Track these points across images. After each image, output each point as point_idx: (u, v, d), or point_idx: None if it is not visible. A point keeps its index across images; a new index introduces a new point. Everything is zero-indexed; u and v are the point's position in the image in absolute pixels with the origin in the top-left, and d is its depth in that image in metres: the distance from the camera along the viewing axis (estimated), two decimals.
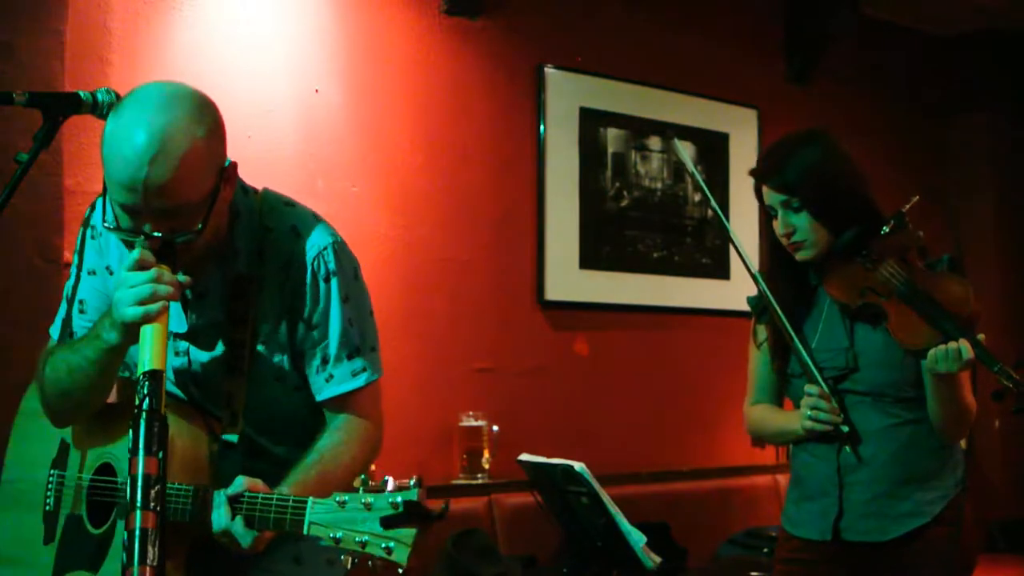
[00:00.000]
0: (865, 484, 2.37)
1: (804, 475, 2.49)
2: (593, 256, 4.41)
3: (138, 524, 1.40)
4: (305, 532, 1.64)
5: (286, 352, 1.88)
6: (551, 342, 4.30)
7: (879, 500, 2.36)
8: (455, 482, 3.89)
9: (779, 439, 2.81)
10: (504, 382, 4.14)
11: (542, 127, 4.29)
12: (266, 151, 3.60)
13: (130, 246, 1.76)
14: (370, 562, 1.57)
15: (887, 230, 2.36)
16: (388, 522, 1.57)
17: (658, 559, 3.27)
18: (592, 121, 4.43)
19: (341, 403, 1.90)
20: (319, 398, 1.90)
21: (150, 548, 1.39)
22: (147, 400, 1.49)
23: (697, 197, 4.77)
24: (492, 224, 4.15)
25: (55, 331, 2.01)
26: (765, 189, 2.49)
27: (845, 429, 2.35)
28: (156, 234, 1.69)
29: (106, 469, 1.93)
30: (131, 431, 1.48)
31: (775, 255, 2.60)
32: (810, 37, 5.08)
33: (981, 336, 2.23)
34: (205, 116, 1.77)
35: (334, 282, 1.86)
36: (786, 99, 5.08)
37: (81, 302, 1.96)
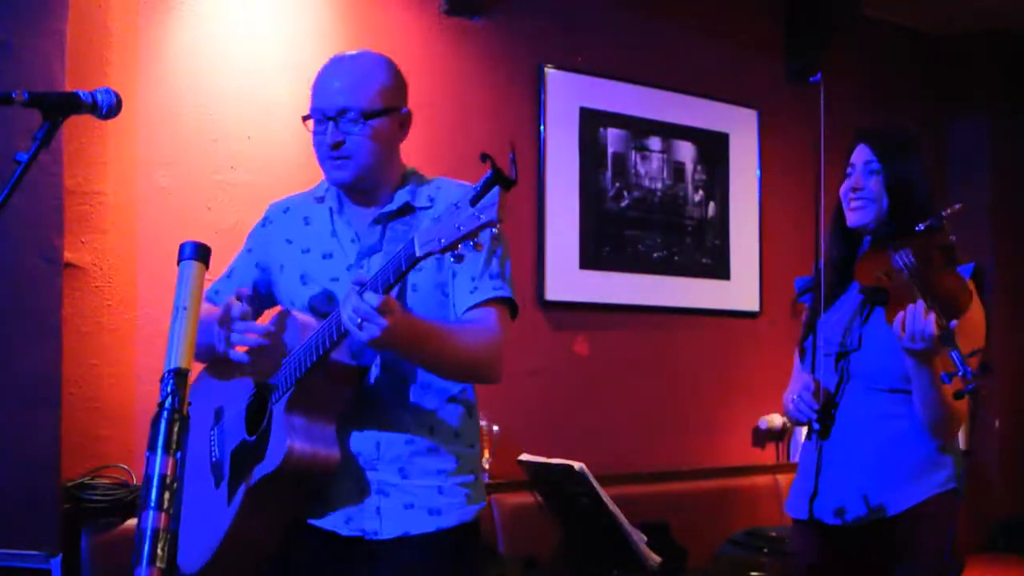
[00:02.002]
0: (842, 470, 2.48)
1: (801, 456, 2.66)
2: (593, 256, 4.41)
3: (150, 524, 1.40)
4: (417, 253, 1.82)
5: (436, 269, 2.15)
6: (551, 342, 4.30)
7: (854, 487, 2.46)
8: None
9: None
10: (504, 382, 4.10)
11: (542, 127, 4.29)
12: (266, 151, 3.60)
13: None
14: (473, 242, 1.79)
15: (921, 228, 2.42)
16: (476, 199, 1.76)
17: (658, 559, 3.27)
18: (592, 121, 4.43)
19: (477, 311, 2.13)
20: (460, 308, 2.13)
21: (159, 549, 1.40)
22: (169, 399, 1.49)
23: (697, 197, 4.78)
24: None
25: (207, 293, 2.32)
26: (860, 147, 2.63)
27: (816, 427, 2.50)
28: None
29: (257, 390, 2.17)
30: (151, 429, 1.49)
31: (838, 224, 2.67)
32: (810, 37, 5.08)
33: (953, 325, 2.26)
34: (390, 65, 2.31)
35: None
36: (786, 99, 5.08)
37: (232, 270, 2.36)
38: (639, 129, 4.58)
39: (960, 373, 2.18)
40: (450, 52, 4.09)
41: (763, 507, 4.54)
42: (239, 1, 3.63)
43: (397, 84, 2.29)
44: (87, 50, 3.21)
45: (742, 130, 4.92)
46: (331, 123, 2.16)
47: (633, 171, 4.56)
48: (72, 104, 1.85)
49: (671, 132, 4.67)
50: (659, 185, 4.65)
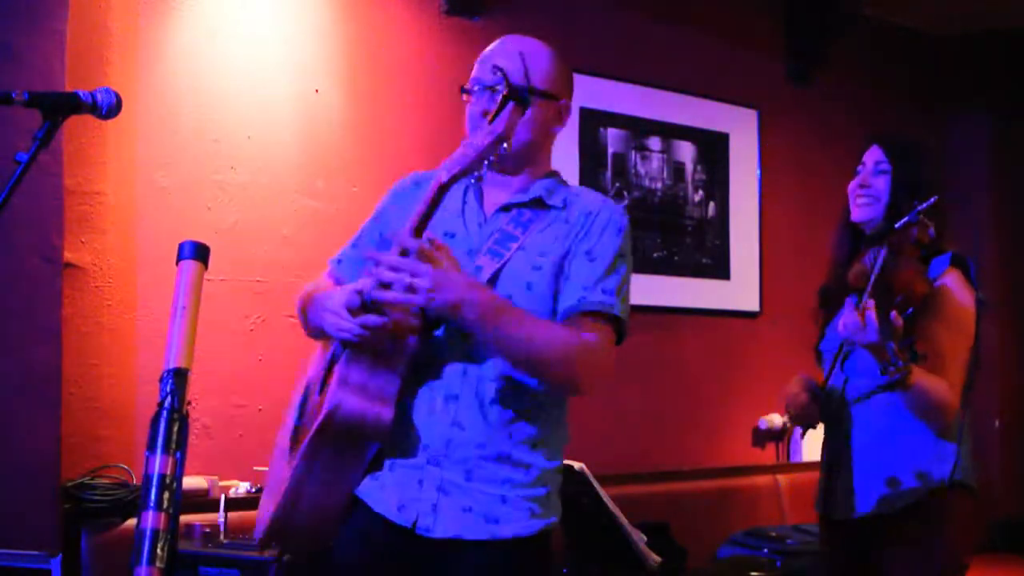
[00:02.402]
0: (846, 465, 2.55)
1: (822, 457, 2.72)
2: None
3: (150, 524, 1.40)
4: (443, 179, 1.88)
5: (554, 273, 2.06)
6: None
7: (857, 480, 2.53)
8: None
9: None
10: None
11: None
12: (266, 151, 3.60)
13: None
14: (491, 159, 1.85)
15: (900, 224, 2.44)
16: (492, 118, 1.87)
17: (658, 559, 3.27)
18: (592, 121, 4.43)
19: (579, 318, 2.02)
20: (564, 312, 2.02)
21: (159, 549, 1.39)
22: (169, 399, 1.48)
23: (697, 197, 4.78)
24: None
25: (332, 258, 2.27)
26: (872, 148, 2.66)
27: (811, 428, 2.60)
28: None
29: None
30: (150, 429, 1.48)
31: (846, 223, 2.71)
32: (810, 37, 5.08)
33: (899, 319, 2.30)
34: (558, 58, 2.22)
35: (623, 236, 2.11)
36: (786, 99, 5.08)
37: (358, 238, 2.27)
38: (639, 129, 4.58)
39: (890, 360, 2.27)
40: (450, 52, 4.08)
41: (763, 507, 4.55)
42: (239, 1, 3.63)
43: (567, 73, 2.25)
44: (87, 50, 3.21)
45: (742, 130, 4.91)
46: (486, 94, 2.20)
47: (633, 171, 4.56)
48: (72, 104, 1.85)
49: (671, 132, 4.67)
50: (659, 185, 4.65)
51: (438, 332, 2.01)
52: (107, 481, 3.13)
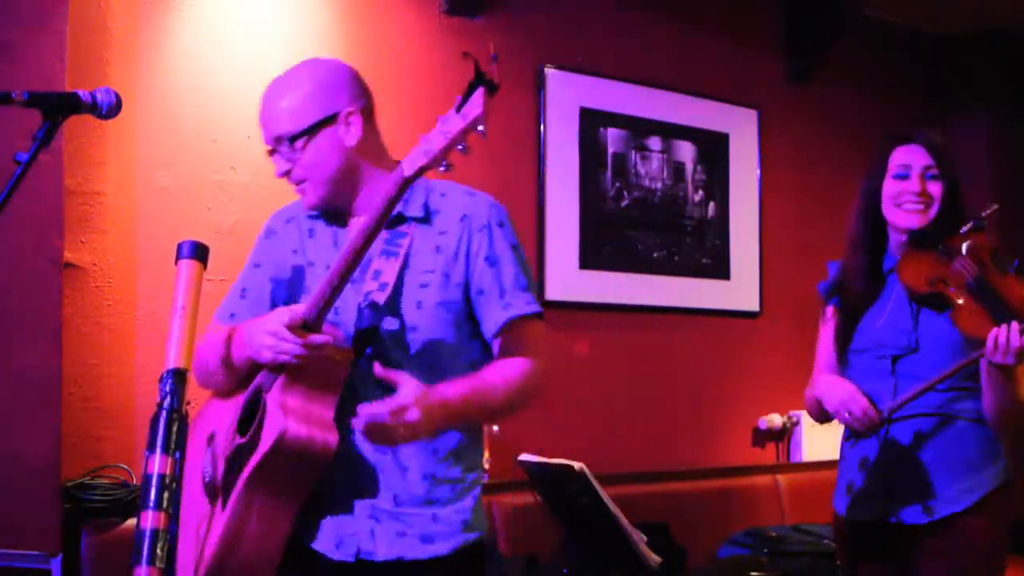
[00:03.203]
0: (908, 469, 2.48)
1: (856, 459, 2.60)
2: (593, 256, 4.41)
3: (149, 524, 1.39)
4: (406, 173, 1.83)
5: (460, 289, 2.07)
6: (551, 342, 4.29)
7: (919, 484, 2.46)
8: None
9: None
10: None
11: (542, 127, 4.29)
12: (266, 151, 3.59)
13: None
14: (463, 146, 1.80)
15: (965, 230, 2.49)
16: (461, 105, 1.76)
17: (658, 559, 3.27)
18: (592, 121, 4.43)
19: (513, 330, 2.07)
20: (496, 327, 2.05)
21: (159, 549, 1.39)
22: (169, 399, 1.48)
23: (697, 197, 4.78)
24: None
25: (217, 314, 2.22)
26: (910, 149, 2.60)
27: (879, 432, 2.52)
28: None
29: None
30: (150, 429, 1.48)
31: (868, 221, 2.65)
32: (810, 37, 5.07)
33: None
34: (311, 73, 2.15)
35: (506, 229, 2.11)
36: (786, 99, 5.08)
37: (244, 289, 2.21)
38: (639, 129, 4.58)
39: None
40: (450, 52, 4.09)
41: (763, 507, 4.55)
42: (239, 1, 3.63)
43: (330, 88, 2.12)
44: (87, 50, 3.21)
45: (742, 130, 4.92)
46: (275, 155, 2.11)
47: (633, 171, 4.56)
48: (72, 104, 1.85)
49: (671, 132, 4.67)
50: (659, 185, 4.65)
51: (360, 361, 2.02)
52: (107, 481, 3.13)
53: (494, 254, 2.08)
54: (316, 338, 1.91)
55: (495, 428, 3.94)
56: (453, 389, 1.95)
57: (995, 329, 2.29)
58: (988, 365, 2.36)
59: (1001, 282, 2.43)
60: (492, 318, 2.06)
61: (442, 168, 1.78)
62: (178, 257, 1.62)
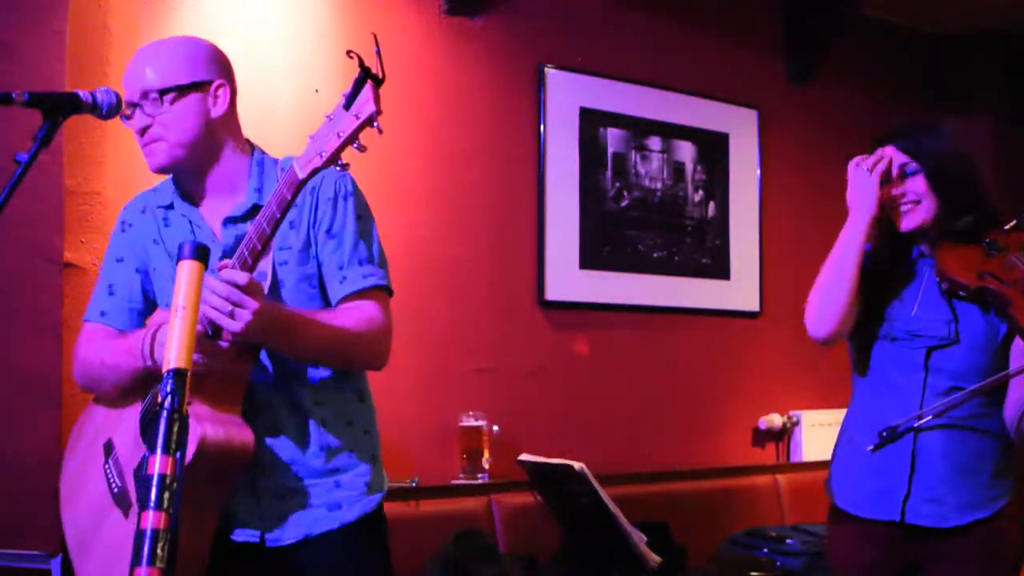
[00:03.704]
0: (934, 470, 2.41)
1: (878, 462, 2.47)
2: (593, 256, 4.41)
3: (150, 524, 1.39)
4: (300, 175, 1.79)
5: (316, 261, 2.10)
6: (551, 342, 4.30)
7: (945, 486, 2.40)
8: (455, 482, 3.88)
9: (838, 265, 2.53)
10: (504, 382, 4.14)
11: (542, 127, 4.29)
12: (266, 151, 3.59)
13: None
14: (357, 144, 1.77)
15: (1010, 227, 2.45)
16: (349, 102, 1.73)
17: (658, 559, 3.27)
18: (592, 121, 4.43)
19: (352, 304, 2.08)
20: (335, 300, 2.08)
21: (159, 549, 1.39)
22: (169, 399, 1.48)
23: (697, 197, 4.78)
24: (492, 224, 4.15)
25: (87, 314, 2.23)
26: (885, 152, 2.55)
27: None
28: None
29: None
30: (150, 429, 1.49)
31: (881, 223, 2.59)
32: (810, 37, 5.07)
33: None
34: (195, 41, 2.13)
35: (351, 201, 2.12)
36: (786, 99, 5.08)
37: (111, 285, 2.20)
38: (639, 129, 4.58)
39: None
40: (450, 52, 4.09)
41: (763, 507, 4.54)
42: (239, 1, 3.63)
43: (203, 59, 2.10)
44: (87, 50, 3.21)
45: (742, 130, 4.91)
46: (136, 109, 2.07)
47: (633, 171, 4.56)
48: (72, 104, 1.86)
49: (671, 132, 4.67)
50: (659, 185, 4.65)
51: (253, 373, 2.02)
52: None
53: (336, 226, 2.09)
54: (218, 344, 1.93)
55: (495, 428, 3.95)
56: (292, 307, 2.01)
57: None
58: None
59: None
60: (332, 293, 2.09)
61: (338, 166, 1.77)
62: (179, 257, 1.62)
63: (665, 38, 4.70)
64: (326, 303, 2.10)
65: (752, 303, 4.91)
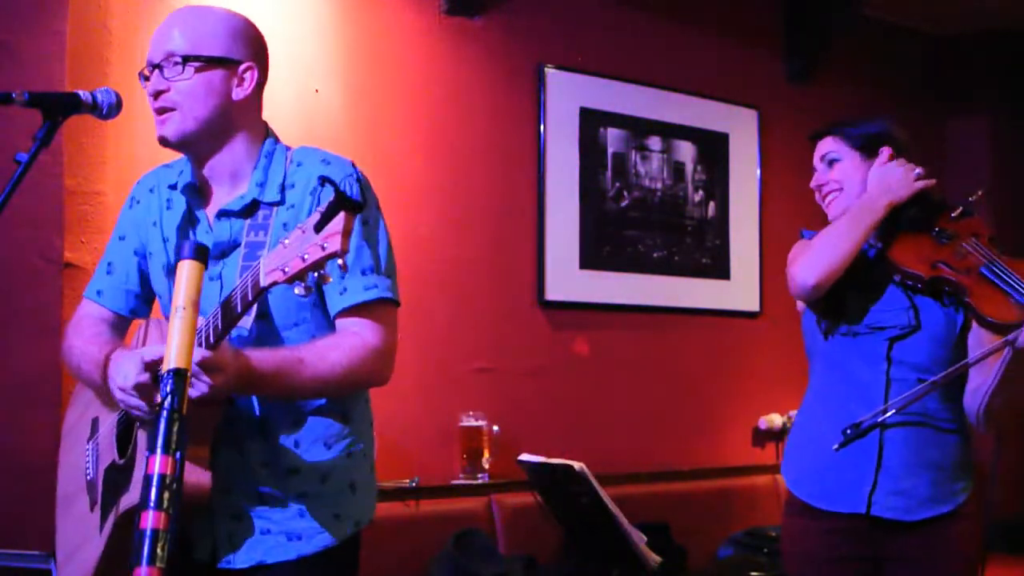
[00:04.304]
0: (901, 463, 2.40)
1: (843, 458, 2.44)
2: (593, 256, 4.41)
3: (150, 524, 1.39)
4: (262, 282, 1.65)
5: None
6: (551, 342, 4.30)
7: (910, 480, 2.39)
8: (455, 482, 3.88)
9: (844, 230, 2.49)
10: (504, 382, 4.14)
11: (542, 127, 4.29)
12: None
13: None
14: (317, 273, 1.60)
15: (957, 214, 2.43)
16: (320, 225, 1.58)
17: (658, 559, 3.27)
18: (592, 121, 4.43)
19: (351, 316, 1.93)
20: (333, 312, 1.93)
21: (159, 549, 1.38)
22: (169, 399, 1.46)
23: (697, 197, 4.78)
24: (492, 224, 4.15)
25: (86, 291, 2.16)
26: (817, 146, 2.67)
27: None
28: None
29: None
30: (150, 429, 1.48)
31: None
32: (810, 37, 5.08)
33: None
34: (234, 18, 2.01)
35: (360, 196, 1.96)
36: (786, 99, 5.08)
37: (110, 264, 2.12)
38: (639, 129, 4.58)
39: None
40: (450, 52, 4.09)
41: (763, 507, 4.54)
42: (239, 1, 3.62)
43: (238, 36, 1.99)
44: (87, 50, 3.21)
45: (742, 130, 4.92)
46: (156, 71, 1.93)
47: (633, 171, 4.56)
48: (72, 104, 1.86)
49: (671, 132, 4.67)
50: (659, 185, 4.65)
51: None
52: None
53: None
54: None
55: (495, 428, 3.95)
56: (267, 356, 1.83)
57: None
58: (1013, 354, 2.27)
59: (1015, 265, 2.36)
60: (331, 303, 1.94)
61: (300, 288, 1.62)
62: (179, 257, 1.62)
63: (665, 38, 4.70)
64: (323, 306, 1.96)
65: (752, 303, 4.91)
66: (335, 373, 1.87)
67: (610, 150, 4.49)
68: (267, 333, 1.88)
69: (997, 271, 2.34)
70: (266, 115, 3.69)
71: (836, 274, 2.41)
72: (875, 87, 5.39)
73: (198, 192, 2.02)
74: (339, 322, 1.94)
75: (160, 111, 1.93)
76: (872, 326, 2.44)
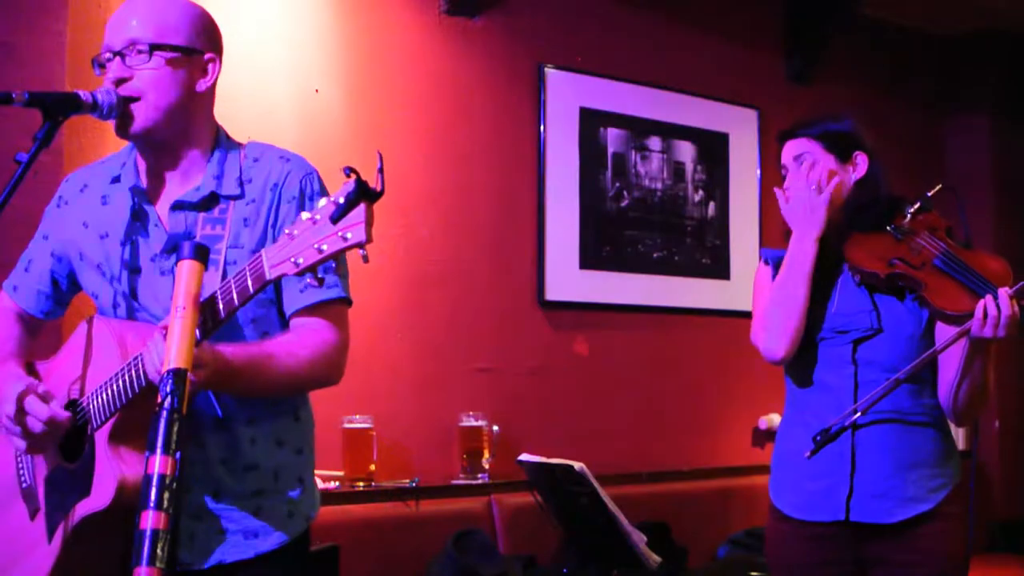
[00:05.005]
0: (876, 465, 2.38)
1: (816, 465, 2.42)
2: (593, 256, 4.41)
3: (150, 525, 1.39)
4: (268, 275, 1.63)
5: None
6: (551, 342, 4.30)
7: (887, 481, 2.37)
8: (455, 482, 3.88)
9: (790, 286, 2.53)
10: (504, 382, 4.14)
11: (542, 127, 4.29)
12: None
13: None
14: (335, 261, 1.60)
15: (914, 210, 2.42)
16: (337, 217, 1.55)
17: (658, 559, 3.27)
18: (592, 121, 4.43)
19: (309, 315, 1.93)
20: (291, 310, 1.93)
21: (159, 549, 1.38)
22: (169, 399, 1.46)
23: (697, 197, 4.78)
24: (492, 224, 4.15)
25: (6, 284, 2.15)
26: (785, 146, 2.60)
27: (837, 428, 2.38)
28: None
29: (70, 405, 1.94)
30: (150, 429, 1.46)
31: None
32: (810, 37, 5.08)
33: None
34: (196, 8, 1.98)
35: (319, 197, 1.94)
36: (786, 99, 5.08)
37: (30, 261, 2.11)
38: (639, 129, 4.58)
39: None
40: (450, 52, 4.09)
41: (763, 507, 4.52)
42: (239, 1, 3.63)
43: (201, 27, 1.98)
44: (87, 50, 3.21)
45: (742, 130, 4.92)
46: (117, 58, 1.88)
47: (633, 171, 4.56)
48: (72, 104, 1.85)
49: (671, 132, 4.67)
50: (659, 185, 4.65)
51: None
52: None
53: None
54: (34, 424, 1.83)
55: (495, 428, 3.95)
56: (240, 351, 1.82)
57: (982, 300, 2.23)
58: (970, 343, 2.28)
59: (970, 256, 2.36)
60: (288, 300, 1.94)
61: (310, 278, 1.61)
62: (179, 257, 1.62)
63: (665, 38, 4.70)
64: (279, 305, 1.95)
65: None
66: (302, 369, 1.89)
67: (610, 150, 4.49)
68: (228, 328, 1.84)
69: (949, 262, 2.34)
70: (266, 115, 3.72)
71: (799, 331, 2.47)
72: (875, 87, 5.39)
73: (142, 187, 1.97)
74: (297, 320, 1.93)
75: (125, 100, 1.89)
76: (836, 330, 2.44)
